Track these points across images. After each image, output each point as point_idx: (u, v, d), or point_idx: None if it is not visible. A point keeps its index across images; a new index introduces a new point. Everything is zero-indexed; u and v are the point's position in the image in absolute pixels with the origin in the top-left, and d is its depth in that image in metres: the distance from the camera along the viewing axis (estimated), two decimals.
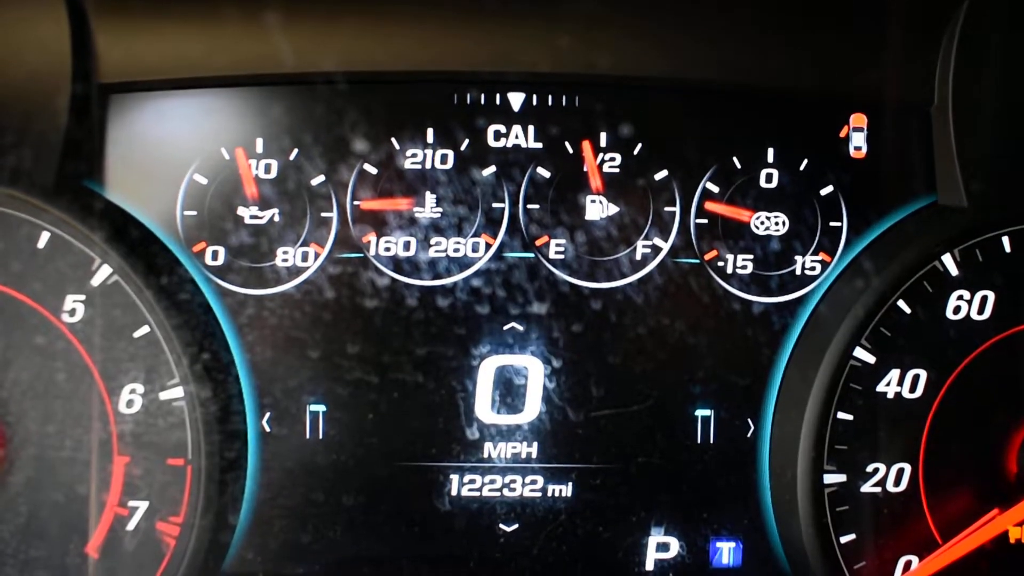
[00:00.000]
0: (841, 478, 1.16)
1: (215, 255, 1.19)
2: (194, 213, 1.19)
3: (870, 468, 1.16)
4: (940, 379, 1.17)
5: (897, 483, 1.17)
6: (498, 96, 1.20)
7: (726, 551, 1.24)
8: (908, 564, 1.17)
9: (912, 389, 1.16)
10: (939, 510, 1.17)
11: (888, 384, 1.16)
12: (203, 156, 1.19)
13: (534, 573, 1.22)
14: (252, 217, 1.19)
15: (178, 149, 1.20)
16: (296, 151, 1.19)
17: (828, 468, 1.15)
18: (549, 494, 1.22)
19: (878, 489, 1.17)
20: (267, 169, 1.19)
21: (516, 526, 1.22)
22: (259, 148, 1.19)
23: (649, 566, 1.23)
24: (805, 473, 1.15)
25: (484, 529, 1.22)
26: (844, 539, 1.16)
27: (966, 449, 1.17)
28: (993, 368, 1.17)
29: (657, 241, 1.21)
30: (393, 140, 1.20)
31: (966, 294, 1.16)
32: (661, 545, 1.23)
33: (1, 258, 1.13)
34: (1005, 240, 1.16)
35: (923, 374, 1.16)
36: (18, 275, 1.13)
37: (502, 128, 1.20)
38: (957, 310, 1.16)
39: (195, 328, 1.14)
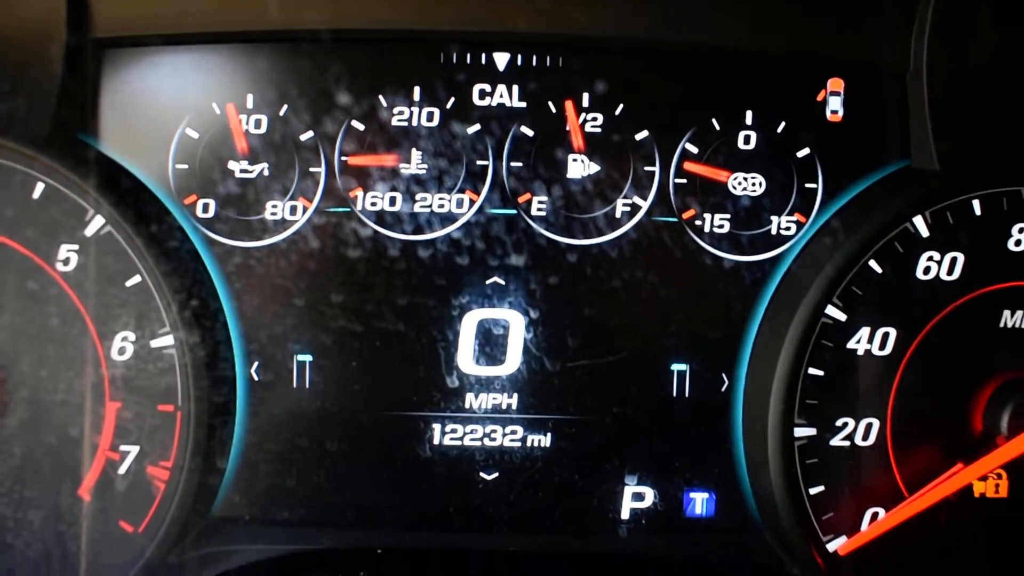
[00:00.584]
0: (811, 432, 1.18)
1: (205, 207, 1.21)
2: (185, 166, 1.21)
3: (839, 422, 1.18)
4: (909, 337, 1.18)
5: (865, 437, 1.19)
6: (483, 56, 1.21)
7: (699, 501, 1.26)
8: (875, 515, 1.19)
9: (882, 346, 1.18)
10: (906, 464, 1.19)
11: (858, 341, 1.18)
12: (195, 111, 1.21)
13: (512, 520, 1.25)
14: (242, 171, 1.21)
15: (170, 104, 1.21)
16: (286, 107, 1.21)
17: (798, 422, 1.17)
18: (528, 444, 1.24)
19: (847, 443, 1.18)
20: (257, 124, 1.21)
21: (495, 474, 1.25)
22: (249, 104, 1.21)
23: (624, 515, 1.25)
24: (776, 426, 1.17)
25: (464, 477, 1.24)
26: (813, 491, 1.18)
27: (933, 406, 1.19)
28: (961, 327, 1.18)
29: (637, 199, 1.22)
30: (380, 97, 1.21)
31: (936, 255, 1.18)
32: (636, 495, 1.25)
33: None
34: (975, 203, 1.17)
35: (893, 332, 1.18)
36: (13, 224, 1.14)
37: (487, 87, 1.21)
38: (927, 271, 1.18)
39: (184, 276, 1.15)
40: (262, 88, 1.21)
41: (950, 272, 1.18)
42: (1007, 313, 1.18)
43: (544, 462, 1.25)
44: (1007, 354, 1.19)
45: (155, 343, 1.15)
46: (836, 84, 1.22)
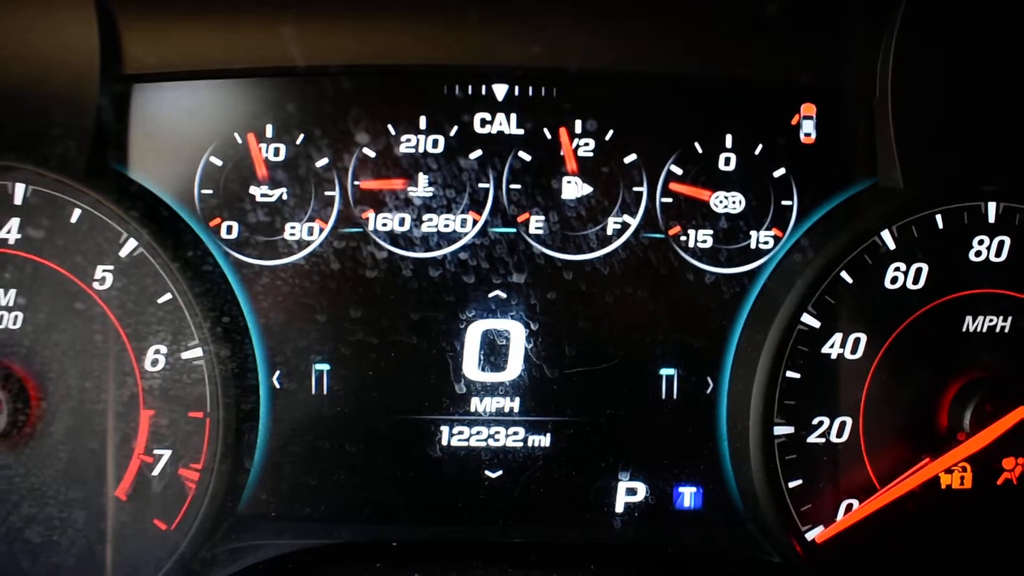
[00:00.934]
0: (789, 430, 1.22)
1: (229, 229, 1.25)
2: (210, 192, 1.24)
3: (815, 421, 1.22)
4: (879, 342, 1.22)
5: (840, 434, 1.23)
6: (484, 88, 1.24)
7: (687, 495, 1.29)
8: (849, 506, 1.23)
9: (853, 351, 1.22)
10: (877, 459, 1.23)
11: (832, 346, 1.22)
12: (218, 140, 1.24)
13: (515, 514, 1.28)
14: (263, 195, 1.24)
15: (196, 134, 1.24)
16: (302, 136, 1.24)
17: (778, 421, 1.21)
18: (529, 444, 1.27)
19: (822, 440, 1.22)
20: (276, 152, 1.24)
21: (500, 472, 1.28)
22: (269, 133, 1.24)
23: (619, 508, 1.28)
24: (757, 425, 1.20)
25: (471, 475, 1.28)
26: (792, 484, 1.22)
27: (902, 404, 1.23)
28: (926, 332, 1.22)
29: (626, 218, 1.26)
30: (389, 127, 1.24)
31: (903, 266, 1.21)
32: (629, 490, 1.28)
33: (39, 233, 1.18)
34: (938, 218, 1.21)
35: (863, 337, 1.22)
36: (54, 247, 1.18)
37: (487, 116, 1.25)
38: (894, 280, 1.21)
39: (215, 295, 1.19)
40: (280, 119, 1.24)
41: (915, 281, 1.22)
42: (969, 318, 1.23)
43: (544, 460, 1.28)
44: (969, 356, 1.23)
45: (185, 355, 1.19)
46: (809, 109, 1.26)
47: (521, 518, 1.29)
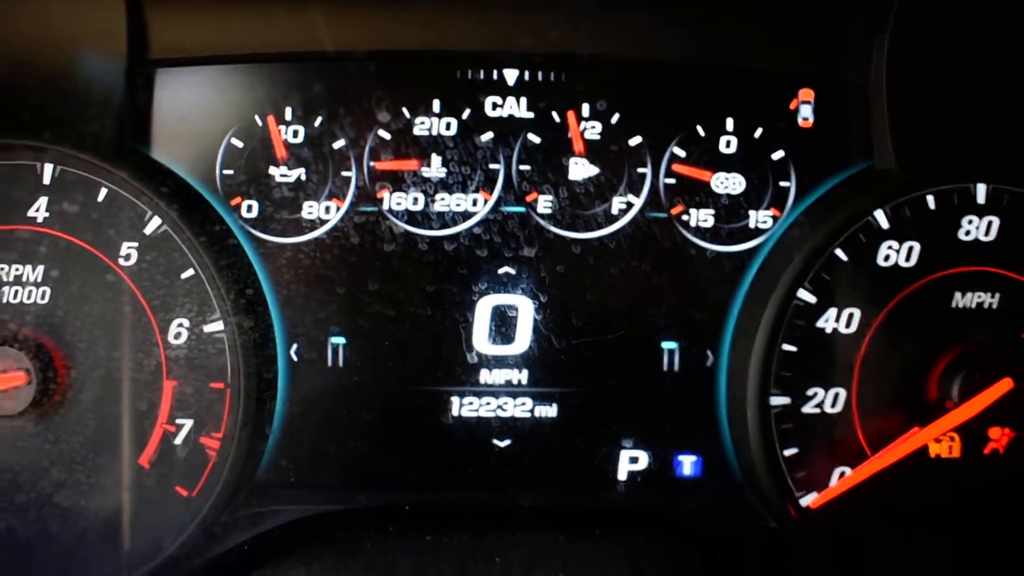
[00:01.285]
0: (785, 400, 1.24)
1: (250, 208, 1.27)
2: (231, 172, 1.27)
3: (810, 392, 1.25)
4: (871, 317, 1.24)
5: (833, 405, 1.25)
6: (495, 72, 1.27)
7: (687, 463, 1.32)
8: (842, 473, 1.25)
9: (847, 325, 1.25)
10: (869, 428, 1.25)
11: (827, 321, 1.24)
12: (239, 122, 1.27)
13: (523, 480, 1.31)
14: (282, 176, 1.27)
15: (217, 116, 1.27)
16: (320, 118, 1.26)
17: (774, 392, 1.24)
18: (536, 414, 1.31)
19: (817, 410, 1.25)
20: (295, 134, 1.27)
21: (508, 441, 1.31)
22: (288, 116, 1.27)
23: (621, 476, 1.31)
24: (754, 396, 1.23)
25: (481, 443, 1.31)
26: (788, 452, 1.25)
27: (893, 376, 1.26)
28: (917, 307, 1.25)
29: (631, 198, 1.28)
30: (404, 109, 1.27)
31: (895, 244, 1.24)
32: (632, 458, 1.31)
33: (67, 212, 1.20)
34: (930, 198, 1.24)
35: (857, 312, 1.24)
36: (81, 226, 1.20)
37: (499, 100, 1.28)
38: (887, 258, 1.24)
39: (236, 270, 1.22)
40: (299, 102, 1.26)
41: (907, 259, 1.24)
42: (958, 295, 1.25)
43: (551, 429, 1.31)
44: (958, 330, 1.26)
45: (207, 328, 1.22)
46: (807, 94, 1.29)
47: (528, 485, 1.32)
